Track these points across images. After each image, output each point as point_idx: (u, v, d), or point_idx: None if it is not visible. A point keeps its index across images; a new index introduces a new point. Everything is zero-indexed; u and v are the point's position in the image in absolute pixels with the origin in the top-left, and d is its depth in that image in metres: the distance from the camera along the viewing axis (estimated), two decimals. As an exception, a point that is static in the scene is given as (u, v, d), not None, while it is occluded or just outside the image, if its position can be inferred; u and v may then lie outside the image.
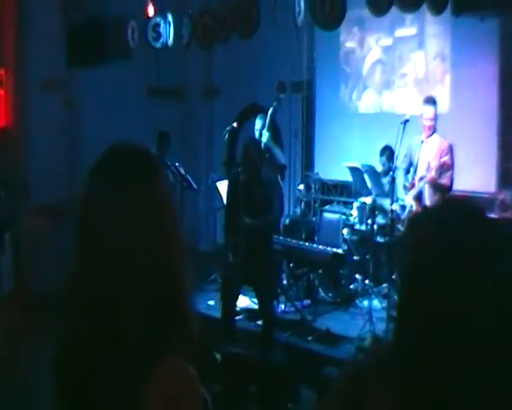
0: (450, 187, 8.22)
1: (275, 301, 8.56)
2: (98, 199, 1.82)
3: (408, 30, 11.10)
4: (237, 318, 8.46)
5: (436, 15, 7.98)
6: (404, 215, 8.41)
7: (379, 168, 9.73)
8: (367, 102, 12.00)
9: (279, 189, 9.26)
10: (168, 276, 1.77)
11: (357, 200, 9.48)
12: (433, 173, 8.05)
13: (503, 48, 9.97)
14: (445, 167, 8.08)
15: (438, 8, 7.48)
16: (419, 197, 8.31)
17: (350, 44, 12.10)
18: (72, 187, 11.18)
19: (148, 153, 1.96)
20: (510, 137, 10.14)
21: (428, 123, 8.35)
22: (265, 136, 9.51)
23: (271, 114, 9.65)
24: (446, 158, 8.12)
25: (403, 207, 8.49)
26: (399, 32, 11.23)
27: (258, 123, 9.84)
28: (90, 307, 1.75)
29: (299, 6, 8.31)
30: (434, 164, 8.08)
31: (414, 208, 8.30)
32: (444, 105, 9.97)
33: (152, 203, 1.81)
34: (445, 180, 8.14)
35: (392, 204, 8.13)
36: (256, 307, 8.43)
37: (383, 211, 9.10)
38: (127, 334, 1.69)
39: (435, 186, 8.15)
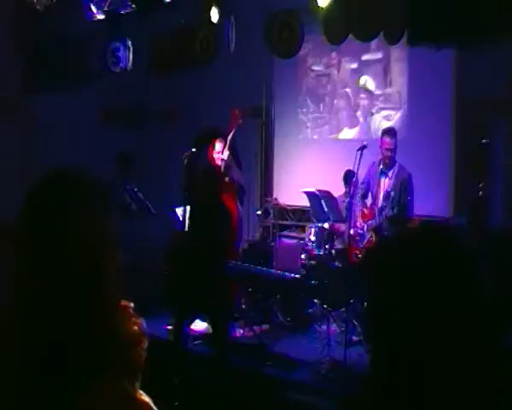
0: (407, 218, 8.35)
1: (231, 326, 8.58)
2: (36, 224, 1.82)
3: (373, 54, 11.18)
4: (196, 342, 8.46)
5: (392, 45, 8.14)
6: (363, 244, 8.49)
7: (341, 191, 9.84)
8: (325, 127, 12.10)
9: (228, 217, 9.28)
10: (102, 302, 1.77)
11: (314, 225, 9.53)
12: (390, 212, 8.17)
13: (457, 75, 10.17)
14: (403, 203, 8.20)
15: (393, 38, 7.63)
16: (378, 229, 8.39)
17: (316, 68, 12.17)
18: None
19: (89, 181, 1.95)
20: (464, 164, 10.31)
21: (387, 153, 8.46)
22: (226, 154, 9.52)
23: (231, 140, 9.68)
24: (405, 186, 8.25)
25: (361, 236, 8.55)
26: (364, 57, 11.32)
27: (217, 146, 9.86)
28: (28, 323, 1.76)
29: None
30: (394, 194, 8.20)
31: (373, 239, 8.39)
32: (401, 132, 10.08)
33: (88, 233, 1.82)
34: (402, 215, 8.27)
35: (349, 229, 8.21)
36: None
37: (340, 236, 9.17)
38: (63, 349, 1.70)
39: (393, 223, 8.27)
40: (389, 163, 8.52)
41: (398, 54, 10.65)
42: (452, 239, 1.63)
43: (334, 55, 11.67)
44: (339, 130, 11.87)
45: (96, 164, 11.19)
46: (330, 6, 8.00)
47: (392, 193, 8.23)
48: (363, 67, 11.41)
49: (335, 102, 11.90)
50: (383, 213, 8.31)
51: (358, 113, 11.57)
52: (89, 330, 1.73)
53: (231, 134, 9.63)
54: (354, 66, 11.53)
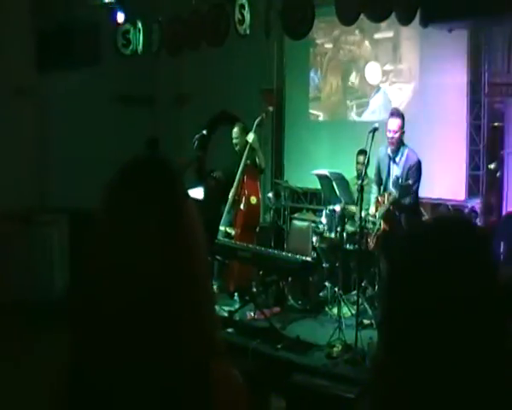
0: (413, 205, 8.32)
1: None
2: (121, 215, 1.69)
3: (383, 33, 11.17)
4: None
5: (405, 25, 8.08)
6: (374, 232, 8.44)
7: (353, 174, 9.81)
8: (336, 110, 12.06)
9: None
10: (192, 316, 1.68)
11: (326, 207, 9.49)
12: (396, 195, 8.12)
13: (471, 58, 10.09)
14: (409, 189, 8.14)
15: (406, 19, 7.58)
16: (387, 216, 8.33)
17: (327, 46, 12.14)
18: (42, 193, 11.15)
19: (177, 174, 1.80)
20: (479, 147, 10.26)
21: (391, 135, 8.31)
22: (251, 137, 9.48)
23: (258, 124, 9.63)
24: (413, 171, 8.19)
25: (373, 224, 8.48)
26: (377, 35, 11.33)
27: (235, 132, 9.81)
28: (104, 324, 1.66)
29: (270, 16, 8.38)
30: (401, 181, 8.15)
31: (382, 227, 8.33)
32: (412, 113, 10.02)
33: (181, 231, 1.69)
34: (407, 200, 8.21)
35: (361, 212, 8.16)
36: (226, 314, 8.48)
37: (352, 219, 9.13)
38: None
39: (398, 208, 8.22)
40: (396, 148, 8.37)
41: (408, 32, 10.57)
42: (465, 232, 1.62)
43: (344, 33, 11.62)
44: (351, 110, 11.83)
45: (112, 148, 11.34)
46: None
47: (400, 180, 8.16)
48: (375, 45, 11.42)
49: (346, 81, 11.87)
50: (390, 201, 8.25)
51: (371, 90, 11.55)
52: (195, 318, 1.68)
53: (259, 118, 9.59)
54: (366, 43, 11.51)
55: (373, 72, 11.44)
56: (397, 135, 8.30)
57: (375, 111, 11.36)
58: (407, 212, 8.25)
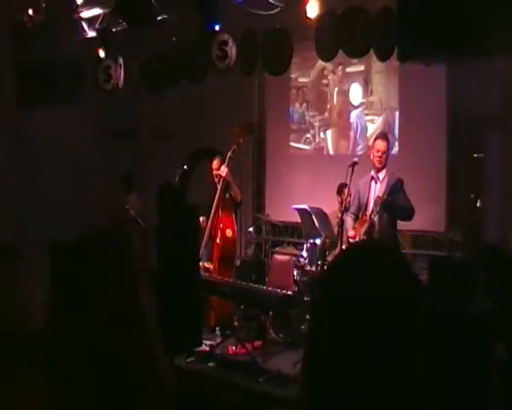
0: (411, 208, 8.27)
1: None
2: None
3: (356, 66, 11.52)
4: (189, 360, 8.44)
5: (383, 62, 8.19)
6: None
7: (333, 208, 9.85)
8: (318, 143, 12.18)
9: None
10: None
11: (307, 241, 9.53)
12: (386, 197, 8.13)
13: (449, 89, 10.23)
14: (398, 190, 8.16)
15: (384, 55, 7.69)
16: (370, 231, 8.35)
17: (301, 80, 12.36)
18: (22, 227, 11.12)
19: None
20: (459, 177, 10.36)
21: (380, 154, 8.39)
22: (224, 171, 9.58)
23: (230, 157, 9.71)
24: (398, 186, 8.20)
25: None
26: (349, 69, 11.69)
27: (214, 164, 9.90)
28: None
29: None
30: (385, 197, 8.15)
31: None
32: (391, 143, 10.15)
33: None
34: (400, 201, 8.19)
35: (341, 245, 8.20)
36: (207, 348, 8.48)
37: (333, 251, 9.16)
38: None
39: (391, 208, 8.20)
40: (380, 168, 8.46)
41: (379, 66, 10.83)
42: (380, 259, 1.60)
43: (320, 67, 11.89)
44: (329, 143, 12.01)
45: (92, 181, 11.36)
46: (321, 23, 8.10)
47: (384, 196, 8.17)
48: (348, 79, 11.76)
49: (324, 114, 12.10)
50: (373, 216, 8.25)
51: (346, 124, 11.80)
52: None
53: (230, 151, 9.67)
54: (339, 77, 11.86)
55: (352, 99, 11.68)
56: (382, 155, 8.41)
57: (352, 142, 11.59)
58: (400, 215, 8.30)
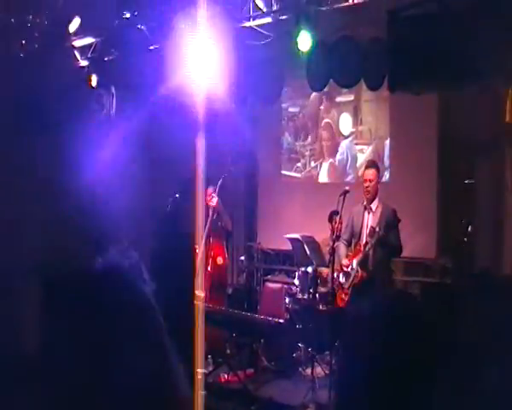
0: (399, 246, 8.32)
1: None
2: None
3: (345, 95, 11.62)
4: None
5: (373, 91, 8.27)
6: (349, 283, 8.41)
7: (324, 235, 9.88)
8: (309, 172, 12.24)
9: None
10: None
11: (299, 269, 9.56)
12: (380, 232, 8.14)
13: (440, 115, 10.31)
14: (392, 226, 8.16)
15: (375, 85, 7.78)
16: (364, 262, 8.36)
17: (291, 109, 12.46)
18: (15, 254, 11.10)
19: None
20: (449, 205, 10.41)
21: (367, 184, 8.41)
22: (214, 201, 9.63)
23: (220, 185, 9.76)
24: (392, 219, 8.20)
25: (347, 276, 8.46)
26: (339, 98, 11.78)
27: (207, 192, 9.95)
28: None
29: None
30: (378, 229, 8.16)
31: (359, 274, 8.29)
32: (383, 171, 10.23)
33: None
34: (393, 240, 8.22)
35: (333, 273, 8.22)
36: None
37: (324, 280, 9.19)
38: None
39: (384, 246, 8.23)
40: (371, 197, 8.47)
41: (368, 95, 10.96)
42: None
43: (311, 97, 11.99)
44: (320, 171, 12.08)
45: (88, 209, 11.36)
46: (313, 54, 8.16)
47: (377, 228, 8.18)
48: (337, 108, 11.88)
49: (314, 144, 12.21)
50: (367, 248, 8.26)
51: (337, 153, 11.90)
52: None
53: (220, 180, 9.72)
54: (329, 107, 11.98)
55: (342, 128, 11.81)
56: (373, 183, 8.42)
57: (342, 171, 11.68)
58: (392, 254, 8.32)
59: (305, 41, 8.10)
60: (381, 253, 8.27)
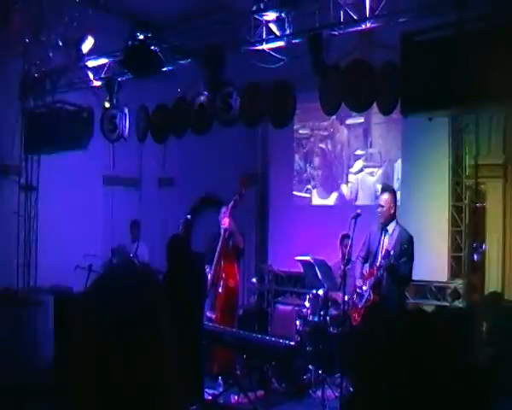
0: (408, 278, 8.27)
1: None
2: None
3: (355, 118, 11.73)
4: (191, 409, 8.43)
5: (386, 115, 8.28)
6: (362, 304, 8.36)
7: (336, 258, 9.88)
8: (320, 194, 12.27)
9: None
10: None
11: (310, 291, 9.56)
12: (392, 261, 8.12)
13: (452, 140, 10.34)
14: (405, 257, 8.13)
15: (387, 109, 7.78)
16: (377, 286, 8.29)
17: (301, 132, 12.52)
18: (27, 272, 11.15)
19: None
20: (461, 228, 10.41)
21: (379, 209, 8.38)
22: (227, 221, 9.66)
23: (232, 207, 9.78)
24: (407, 246, 8.17)
25: (360, 296, 8.42)
26: (348, 121, 11.91)
27: (221, 213, 9.98)
28: None
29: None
30: (393, 253, 8.12)
31: (371, 297, 8.26)
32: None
33: None
34: (403, 270, 8.16)
35: (344, 296, 8.21)
36: (210, 397, 8.48)
37: (336, 302, 9.19)
38: None
39: (393, 274, 8.17)
40: (384, 222, 8.39)
41: (378, 118, 11.06)
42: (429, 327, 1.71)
43: (317, 119, 12.08)
44: (332, 193, 12.10)
45: (97, 229, 11.43)
46: (325, 77, 8.18)
47: (392, 252, 8.13)
48: (348, 131, 12.00)
49: (324, 166, 12.23)
50: (381, 270, 8.21)
51: (350, 175, 11.95)
52: None
53: (233, 201, 9.74)
54: (339, 129, 12.07)
55: (352, 151, 11.87)
56: (384, 209, 8.35)
57: (355, 195, 11.70)
58: (400, 283, 8.30)
59: (316, 64, 8.13)
60: (390, 279, 8.23)
